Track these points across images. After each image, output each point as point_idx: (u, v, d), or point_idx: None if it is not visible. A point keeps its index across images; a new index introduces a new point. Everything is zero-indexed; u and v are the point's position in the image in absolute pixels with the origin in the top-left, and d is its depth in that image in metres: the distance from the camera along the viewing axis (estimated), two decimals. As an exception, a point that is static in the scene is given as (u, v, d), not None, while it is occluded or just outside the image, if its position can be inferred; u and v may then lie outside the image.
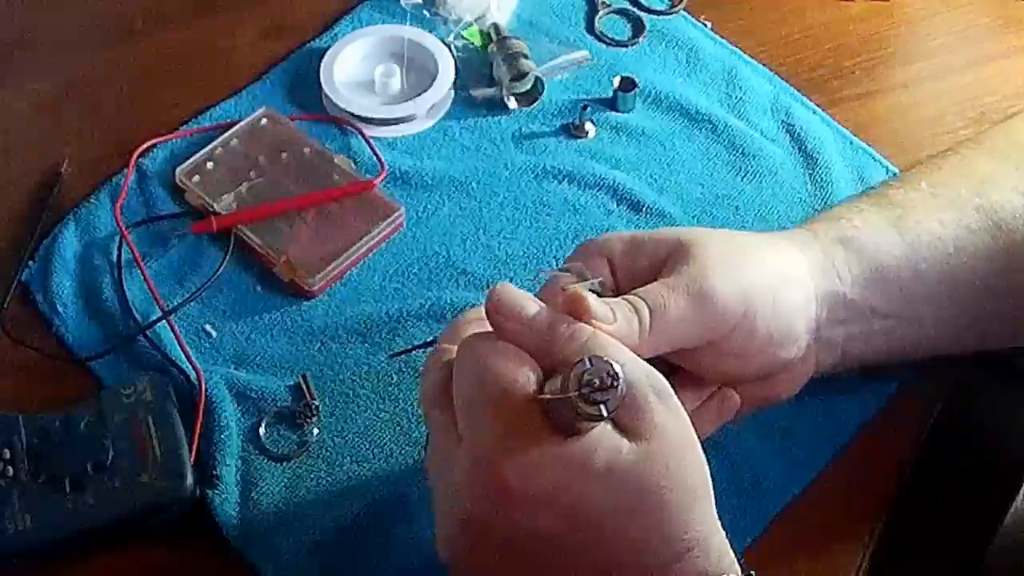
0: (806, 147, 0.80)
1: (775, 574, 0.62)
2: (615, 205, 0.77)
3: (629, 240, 0.60)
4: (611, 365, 0.47)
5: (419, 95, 0.80)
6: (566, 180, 0.78)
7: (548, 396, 0.48)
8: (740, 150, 0.80)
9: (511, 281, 0.72)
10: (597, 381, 0.47)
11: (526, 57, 0.81)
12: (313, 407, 0.67)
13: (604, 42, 0.86)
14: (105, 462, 0.62)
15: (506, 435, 0.48)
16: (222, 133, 0.77)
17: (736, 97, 0.82)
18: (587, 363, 0.47)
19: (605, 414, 0.47)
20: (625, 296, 0.56)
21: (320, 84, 0.80)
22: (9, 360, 0.69)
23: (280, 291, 0.72)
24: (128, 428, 0.63)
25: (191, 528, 0.62)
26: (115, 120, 0.80)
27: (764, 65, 0.84)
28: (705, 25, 0.87)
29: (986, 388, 0.69)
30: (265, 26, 0.86)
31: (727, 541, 0.51)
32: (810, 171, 0.79)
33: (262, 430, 0.66)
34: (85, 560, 0.62)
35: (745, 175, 0.78)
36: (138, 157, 0.77)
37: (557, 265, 0.73)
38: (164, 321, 0.69)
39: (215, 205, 0.74)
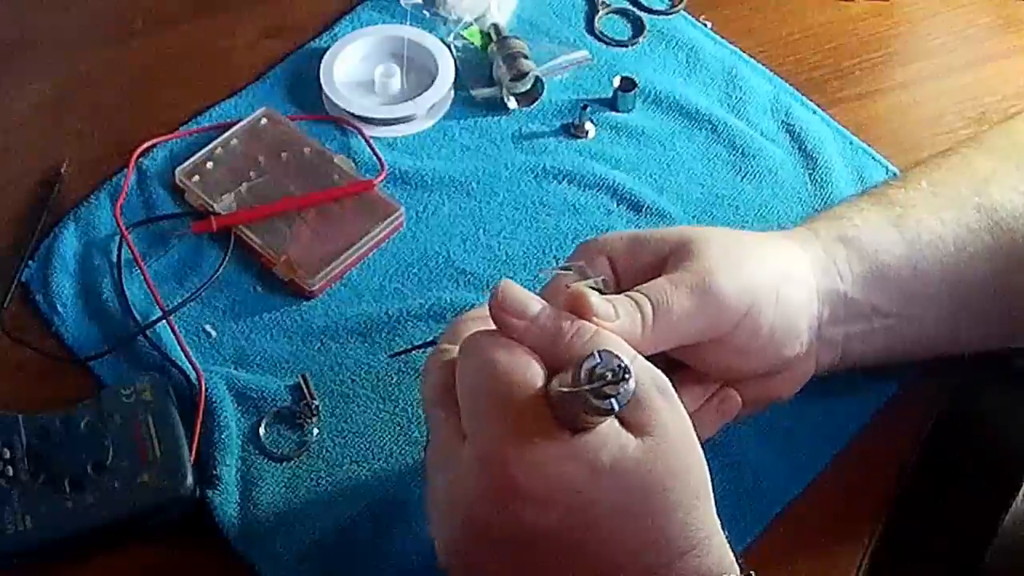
0: (806, 147, 0.80)
1: (775, 574, 0.62)
2: (615, 205, 0.77)
3: (630, 239, 0.60)
4: (620, 359, 0.47)
5: (419, 95, 0.80)
6: (566, 180, 0.78)
7: (561, 390, 0.48)
8: (740, 150, 0.80)
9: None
10: (608, 375, 0.47)
11: (526, 57, 0.81)
12: (313, 407, 0.67)
13: (604, 42, 0.86)
14: (105, 462, 0.62)
15: (513, 431, 0.48)
16: (222, 133, 0.77)
17: (736, 97, 0.82)
18: (597, 357, 0.47)
19: (616, 408, 0.47)
20: (628, 292, 0.56)
21: (320, 84, 0.80)
22: (9, 360, 0.69)
23: (280, 291, 0.72)
24: (128, 428, 0.63)
25: (191, 528, 0.63)
26: (115, 120, 0.80)
27: (764, 65, 0.84)
28: (705, 25, 0.87)
29: (986, 388, 0.69)
30: (265, 26, 0.86)
31: (727, 542, 0.51)
32: (810, 171, 0.79)
33: (262, 430, 0.66)
34: (85, 560, 0.62)
35: (745, 175, 0.78)
36: (138, 157, 0.77)
37: (556, 265, 0.73)
38: (164, 321, 0.69)
39: (215, 205, 0.74)
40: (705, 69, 0.84)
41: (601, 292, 0.55)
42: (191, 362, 0.68)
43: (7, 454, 0.62)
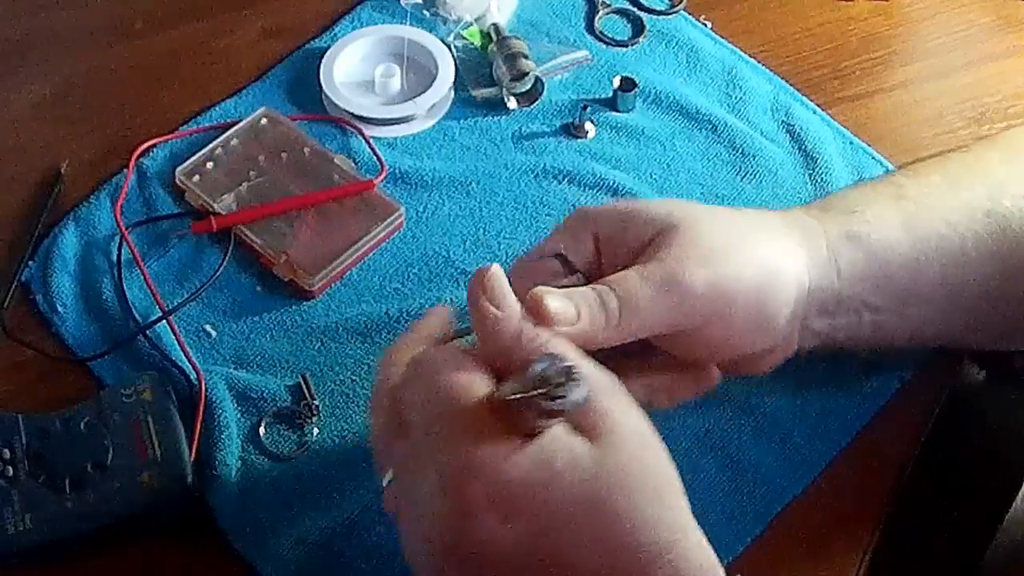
0: (806, 147, 0.80)
1: (775, 574, 0.63)
2: (615, 205, 0.77)
3: (620, 217, 0.59)
4: (569, 361, 0.47)
5: (419, 95, 0.80)
6: (566, 180, 0.78)
7: (512, 397, 0.48)
8: (740, 150, 0.80)
9: (511, 281, 0.72)
10: (559, 378, 0.46)
11: (526, 57, 0.81)
12: (313, 407, 0.67)
13: (604, 42, 0.86)
14: (105, 462, 0.62)
15: (467, 444, 0.48)
16: (222, 133, 0.77)
17: (736, 97, 0.82)
18: (546, 360, 0.47)
19: (566, 409, 0.46)
20: (596, 286, 0.55)
21: (320, 84, 0.80)
22: (9, 360, 0.69)
23: (280, 291, 0.72)
24: (128, 428, 0.63)
25: (191, 528, 0.62)
26: (115, 120, 0.80)
27: (764, 65, 0.84)
28: (705, 25, 0.87)
29: (986, 388, 0.69)
30: (265, 26, 0.86)
31: (707, 545, 0.49)
32: (810, 171, 0.79)
33: (262, 430, 0.66)
34: (85, 560, 0.62)
35: (745, 175, 0.78)
36: (138, 157, 0.77)
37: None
38: (164, 321, 0.69)
39: (215, 205, 0.74)
40: (705, 69, 0.84)
41: (576, 284, 0.55)
42: (191, 362, 0.68)
43: (7, 454, 0.62)
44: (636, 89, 0.81)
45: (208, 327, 0.70)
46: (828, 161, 0.79)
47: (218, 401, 0.66)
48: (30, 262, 0.73)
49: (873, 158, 0.79)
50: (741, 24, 0.87)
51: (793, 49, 0.86)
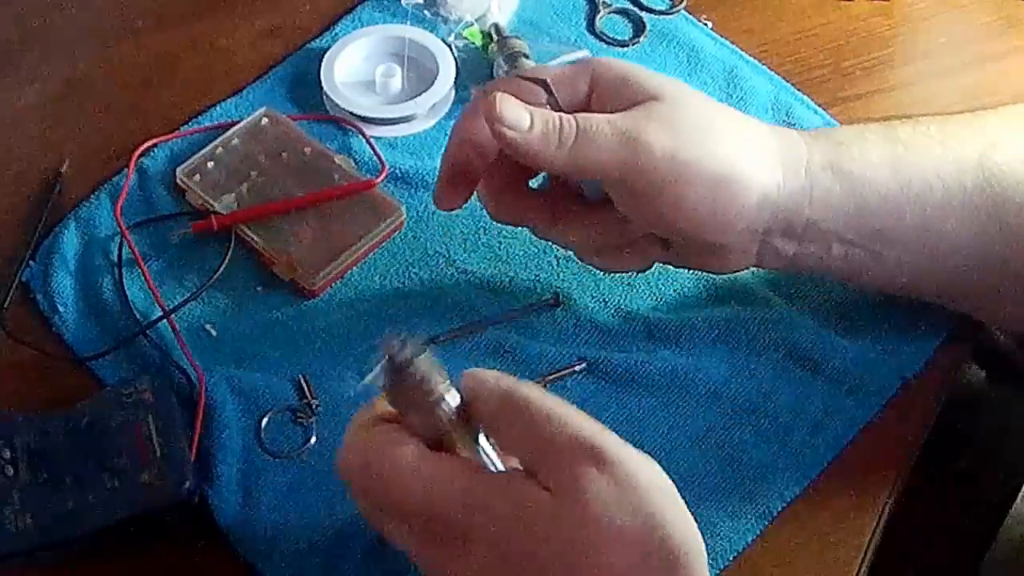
0: (806, 147, 0.80)
1: (775, 574, 0.63)
2: (615, 205, 0.77)
3: (619, 78, 0.62)
4: (395, 337, 0.49)
5: (420, 95, 0.80)
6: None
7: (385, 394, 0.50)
8: (740, 150, 0.79)
9: (511, 281, 0.73)
10: (392, 345, 0.49)
11: (526, 57, 0.81)
12: (313, 407, 0.67)
13: (605, 42, 0.86)
14: (105, 462, 0.62)
15: (395, 477, 0.50)
16: (222, 133, 0.77)
17: (736, 97, 0.82)
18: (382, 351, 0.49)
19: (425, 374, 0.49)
20: (561, 113, 0.59)
21: (320, 84, 0.80)
22: (9, 360, 0.69)
23: (280, 291, 0.72)
24: (128, 428, 0.63)
25: (191, 528, 0.62)
26: (115, 120, 0.80)
27: (764, 65, 0.84)
28: (706, 25, 0.87)
29: (986, 388, 0.69)
30: (265, 26, 0.86)
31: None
32: (810, 171, 0.79)
33: (262, 430, 0.66)
34: (85, 560, 0.61)
35: (745, 175, 0.78)
36: (138, 157, 0.77)
37: (557, 264, 0.73)
38: (165, 321, 0.69)
39: (215, 205, 0.74)
40: (705, 69, 0.84)
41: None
42: (192, 362, 0.68)
43: (7, 454, 0.62)
44: (636, 89, 0.81)
45: (209, 327, 0.70)
46: (828, 161, 0.79)
47: (219, 401, 0.66)
48: (30, 262, 0.72)
49: (873, 158, 0.79)
50: (741, 24, 0.87)
51: (793, 49, 0.86)
